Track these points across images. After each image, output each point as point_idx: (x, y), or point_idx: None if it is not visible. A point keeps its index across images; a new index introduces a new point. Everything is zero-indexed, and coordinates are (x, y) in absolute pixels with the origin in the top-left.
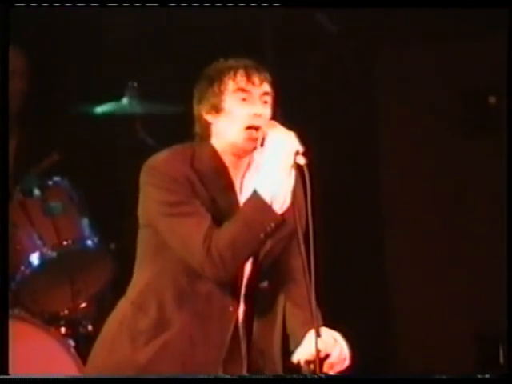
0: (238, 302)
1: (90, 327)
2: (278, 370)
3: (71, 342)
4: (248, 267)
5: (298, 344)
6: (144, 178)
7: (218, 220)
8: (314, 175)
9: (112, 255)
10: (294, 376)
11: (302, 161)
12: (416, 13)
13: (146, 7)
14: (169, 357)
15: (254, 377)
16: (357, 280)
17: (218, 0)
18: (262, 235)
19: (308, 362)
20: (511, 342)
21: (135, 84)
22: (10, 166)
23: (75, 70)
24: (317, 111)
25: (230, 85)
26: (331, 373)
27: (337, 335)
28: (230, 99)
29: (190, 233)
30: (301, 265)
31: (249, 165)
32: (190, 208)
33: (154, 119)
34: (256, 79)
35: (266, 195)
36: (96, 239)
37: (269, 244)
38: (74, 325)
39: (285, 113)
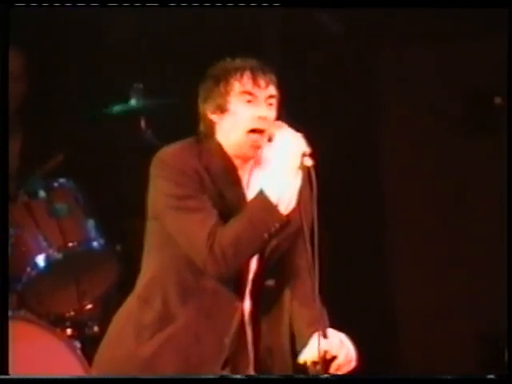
0: (244, 299)
1: (95, 328)
2: (288, 369)
3: (77, 344)
4: (254, 264)
5: (304, 344)
6: (153, 170)
7: (225, 215)
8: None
9: (118, 257)
10: (301, 376)
11: (309, 162)
12: (416, 13)
13: (145, 7)
14: (173, 350)
15: (260, 376)
16: (357, 280)
17: (218, 0)
18: (266, 235)
19: (315, 363)
20: (511, 342)
21: (140, 85)
22: (14, 167)
23: (75, 70)
24: (317, 111)
25: (236, 86)
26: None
27: (343, 336)
28: (235, 100)
29: (194, 229)
30: (306, 264)
31: (256, 160)
32: (196, 203)
33: (159, 119)
34: (262, 82)
35: (273, 195)
36: (102, 241)
37: (275, 241)
38: (79, 326)
39: (285, 113)
